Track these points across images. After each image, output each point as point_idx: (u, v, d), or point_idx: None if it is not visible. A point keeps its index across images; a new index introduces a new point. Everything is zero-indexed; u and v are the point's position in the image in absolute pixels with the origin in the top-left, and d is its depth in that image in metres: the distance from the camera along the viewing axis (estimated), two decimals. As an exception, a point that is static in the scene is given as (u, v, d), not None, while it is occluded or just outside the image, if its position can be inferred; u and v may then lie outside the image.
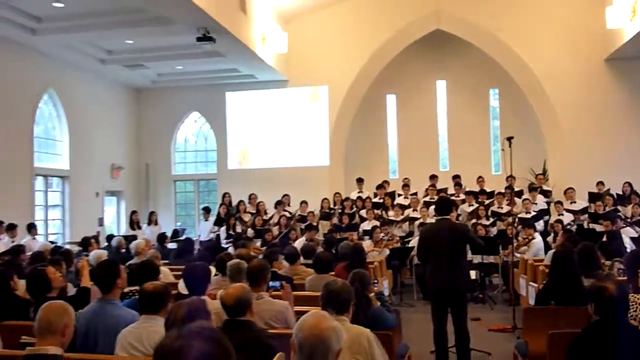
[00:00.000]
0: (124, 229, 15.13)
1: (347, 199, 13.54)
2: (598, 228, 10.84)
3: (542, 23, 14.51)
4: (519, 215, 11.60)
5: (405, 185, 13.81)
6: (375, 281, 5.07)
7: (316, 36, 15.42)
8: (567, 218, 11.60)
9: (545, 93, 14.44)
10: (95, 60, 13.91)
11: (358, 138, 15.88)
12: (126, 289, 5.07)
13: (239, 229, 12.65)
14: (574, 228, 10.97)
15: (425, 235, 6.84)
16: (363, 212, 12.76)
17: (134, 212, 13.97)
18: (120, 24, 11.50)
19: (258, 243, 11.39)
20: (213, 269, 6.09)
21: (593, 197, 12.16)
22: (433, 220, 10.08)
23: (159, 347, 1.67)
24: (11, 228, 10.80)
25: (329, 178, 15.24)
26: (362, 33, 15.23)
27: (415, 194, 13.55)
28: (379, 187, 13.96)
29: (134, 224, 13.55)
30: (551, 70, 14.38)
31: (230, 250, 9.34)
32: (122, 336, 3.88)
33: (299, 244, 10.26)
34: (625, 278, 5.51)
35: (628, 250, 8.29)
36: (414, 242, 10.82)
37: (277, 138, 15.74)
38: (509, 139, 8.39)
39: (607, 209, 11.55)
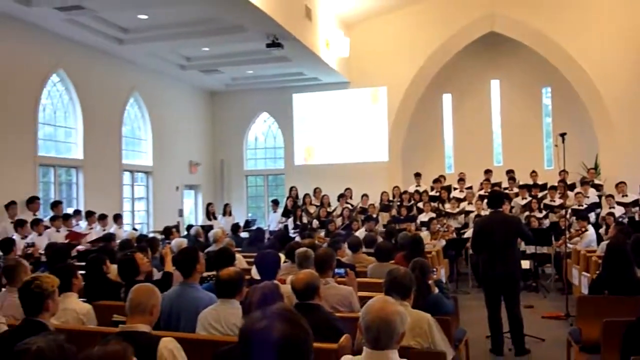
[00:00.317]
0: (201, 220, 15.41)
1: (405, 192, 13.41)
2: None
3: (593, 21, 13.91)
4: (572, 207, 11.20)
5: (461, 180, 13.56)
6: (435, 269, 4.97)
7: (376, 40, 15.29)
8: (619, 211, 11.11)
9: (596, 90, 13.86)
10: (176, 66, 14.23)
11: (415, 135, 15.67)
12: (205, 274, 5.15)
13: (305, 219, 12.72)
14: (625, 220, 10.51)
15: (480, 227, 6.73)
16: (420, 205, 12.61)
17: (210, 204, 14.22)
18: (198, 33, 11.71)
19: (322, 233, 11.43)
20: (282, 256, 6.12)
21: (645, 190, 11.61)
22: (487, 213, 9.87)
23: (245, 327, 1.69)
24: (102, 218, 11.16)
25: (388, 173, 15.12)
26: (420, 37, 15.01)
27: (470, 187, 13.29)
28: (436, 181, 13.77)
29: (210, 214, 13.79)
30: (602, 68, 13.79)
31: (297, 239, 9.39)
32: (202, 317, 3.95)
33: (360, 234, 10.21)
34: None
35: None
36: (469, 233, 10.62)
37: (339, 136, 15.73)
38: (562, 135, 8.10)
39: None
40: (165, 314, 4.12)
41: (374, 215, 12.35)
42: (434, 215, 11.80)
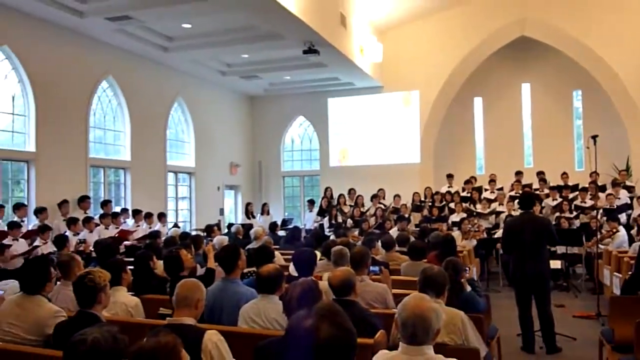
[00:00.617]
0: (241, 218, 15.55)
1: (437, 193, 13.29)
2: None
3: (625, 23, 13.52)
4: (603, 207, 10.92)
5: (492, 181, 13.36)
6: (467, 268, 4.91)
7: (408, 46, 15.21)
8: (651, 212, 10.79)
9: (628, 92, 13.49)
10: (217, 72, 14.40)
11: (446, 137, 15.52)
12: (245, 270, 5.19)
13: (339, 219, 12.71)
14: (657, 222, 10.20)
15: (510, 227, 6.64)
16: (452, 205, 12.47)
17: (249, 204, 14.34)
18: (238, 40, 11.84)
19: (356, 232, 11.41)
20: (318, 254, 6.13)
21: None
22: (518, 213, 9.71)
23: (291, 324, 1.69)
24: (148, 216, 11.35)
25: (420, 174, 15.00)
26: (451, 42, 14.85)
27: (501, 188, 13.08)
28: (467, 182, 13.61)
29: (249, 213, 13.90)
30: (634, 69, 13.42)
31: (332, 237, 9.39)
32: (244, 311, 3.98)
33: (392, 233, 10.15)
34: None
35: None
36: (499, 233, 10.45)
37: (373, 138, 15.69)
38: (594, 137, 7.89)
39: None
40: (208, 308, 4.16)
41: (406, 215, 12.26)
42: (465, 215, 11.65)
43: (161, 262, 5.64)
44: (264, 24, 10.93)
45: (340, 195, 13.60)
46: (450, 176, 13.92)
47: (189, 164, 14.62)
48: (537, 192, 12.28)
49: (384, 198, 13.69)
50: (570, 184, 12.58)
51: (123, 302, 4.44)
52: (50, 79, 10.26)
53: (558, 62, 14.62)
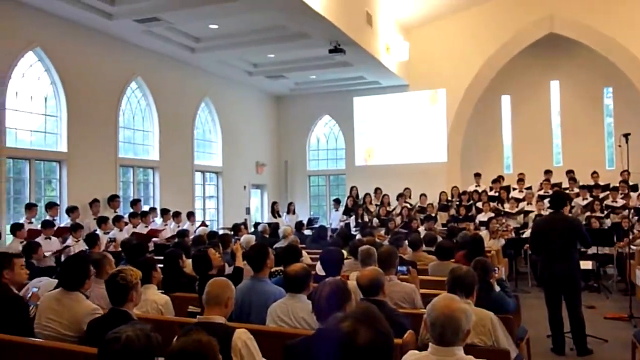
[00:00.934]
0: (267, 217, 15.65)
1: (464, 192, 13.16)
2: None
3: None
4: (635, 206, 10.69)
5: (520, 180, 13.18)
6: (496, 268, 4.85)
7: (435, 44, 15.10)
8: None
9: (660, 89, 13.19)
10: (243, 72, 14.49)
11: (474, 136, 15.36)
12: (273, 269, 5.22)
13: (366, 218, 12.67)
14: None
15: (539, 227, 6.55)
16: (479, 205, 12.34)
17: (275, 203, 14.40)
18: (264, 40, 11.89)
19: (382, 231, 11.37)
20: (345, 253, 6.12)
21: None
22: (547, 213, 9.56)
23: (330, 326, 1.69)
24: (176, 215, 11.49)
25: (447, 173, 14.88)
26: (478, 39, 14.70)
27: (530, 188, 12.90)
28: (495, 181, 13.45)
29: (275, 212, 13.96)
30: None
31: (358, 236, 9.38)
32: (272, 310, 4.00)
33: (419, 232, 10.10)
34: None
35: None
36: (528, 233, 10.30)
37: (399, 137, 15.60)
38: (626, 135, 7.72)
39: None
40: (237, 306, 4.19)
41: (433, 215, 12.18)
42: (493, 215, 11.52)
43: (190, 260, 5.71)
44: (290, 24, 10.96)
45: (366, 195, 13.57)
46: (477, 175, 13.77)
47: (216, 164, 14.74)
48: (567, 191, 12.08)
49: (409, 197, 13.63)
50: (600, 183, 12.35)
51: (153, 300, 4.50)
52: (81, 80, 10.45)
53: (588, 59, 14.34)
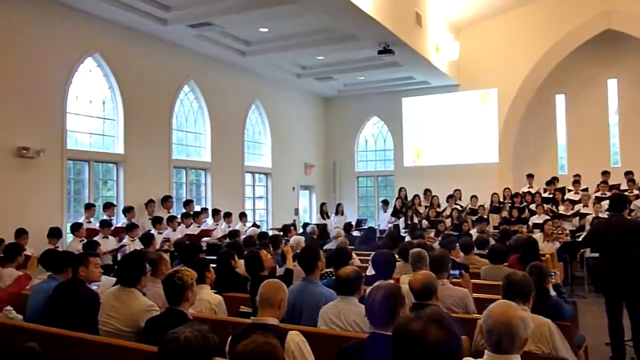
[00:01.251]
0: (315, 218, 15.70)
1: (516, 194, 12.84)
2: None
3: None
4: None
5: (576, 182, 12.72)
6: (553, 273, 4.71)
7: (486, 42, 14.82)
8: None
9: None
10: (292, 74, 14.60)
11: (526, 136, 15.00)
12: (323, 270, 5.22)
13: (415, 220, 12.54)
14: None
15: (596, 229, 6.32)
16: (533, 207, 12.01)
17: (323, 204, 14.43)
18: (313, 43, 11.95)
19: (432, 233, 11.23)
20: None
21: None
22: (605, 215, 9.21)
23: (399, 326, 1.71)
24: (227, 216, 11.66)
25: (498, 174, 14.58)
26: (531, 37, 14.33)
27: (586, 189, 12.45)
28: (549, 182, 13.04)
29: (323, 213, 14.00)
30: None
31: (408, 238, 9.30)
32: (323, 312, 4.00)
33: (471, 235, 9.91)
34: None
35: None
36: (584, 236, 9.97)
37: (448, 137, 15.40)
38: (691, 135, 7.39)
39: None
40: (289, 308, 4.19)
41: (484, 217, 11.94)
42: (547, 217, 11.19)
43: (242, 261, 5.78)
44: (339, 26, 10.97)
45: (415, 196, 13.42)
46: (530, 176, 13.41)
47: (265, 165, 14.90)
48: (626, 193, 11.61)
49: (460, 199, 13.39)
50: (662, 184, 11.83)
51: (207, 299, 4.57)
52: (137, 84, 10.76)
53: (648, 56, 13.80)
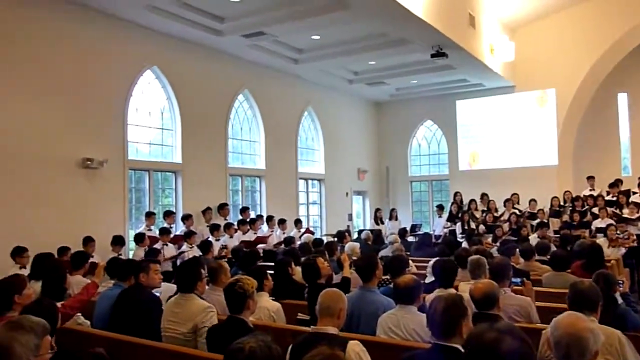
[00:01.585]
0: (369, 223, 15.66)
1: (577, 197, 12.39)
2: None
3: None
4: None
5: (642, 184, 12.21)
6: (621, 281, 4.52)
7: (542, 42, 14.41)
8: None
9: None
10: (344, 80, 14.63)
11: (587, 137, 14.49)
12: (380, 278, 5.18)
13: (472, 225, 12.29)
14: None
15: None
16: (595, 210, 11.56)
17: (378, 210, 14.37)
18: (365, 48, 11.94)
19: (489, 238, 10.99)
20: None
21: None
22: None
23: (473, 337, 1.71)
24: (282, 222, 11.77)
25: (557, 177, 14.14)
26: (590, 35, 13.85)
27: (653, 191, 11.91)
28: (612, 185, 12.52)
29: (377, 219, 13.92)
30: None
31: (464, 244, 9.13)
32: (382, 320, 3.98)
33: (531, 240, 9.64)
34: None
35: None
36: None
37: (505, 140, 15.05)
38: None
39: None
40: (347, 316, 4.21)
41: (545, 221, 11.57)
42: (611, 221, 10.75)
43: (299, 268, 5.81)
44: (391, 31, 10.92)
45: (472, 201, 13.14)
46: (591, 178, 12.91)
47: (318, 171, 14.97)
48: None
49: (518, 203, 13.03)
50: None
51: (266, 307, 4.63)
52: (193, 94, 11.03)
53: None
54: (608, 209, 11.40)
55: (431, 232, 13.33)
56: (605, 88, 14.16)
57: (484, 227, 11.95)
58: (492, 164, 15.23)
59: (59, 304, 3.87)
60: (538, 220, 11.56)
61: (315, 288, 4.79)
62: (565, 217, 11.91)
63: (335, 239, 10.16)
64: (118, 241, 8.62)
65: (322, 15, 9.67)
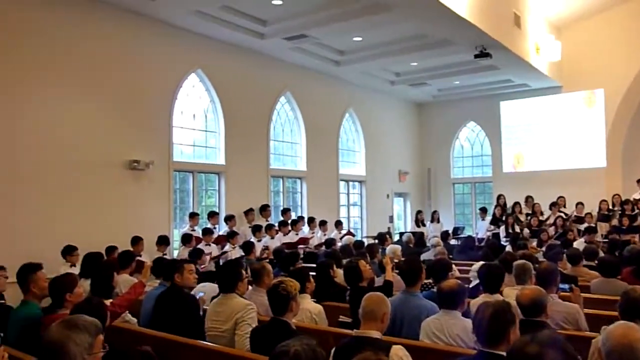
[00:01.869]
0: (410, 226, 15.53)
1: (627, 201, 11.97)
2: None
3: None
4: None
5: (696, 187, 11.73)
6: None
7: (590, 41, 14.00)
8: None
9: None
10: (386, 82, 14.56)
11: (637, 138, 14.00)
12: (423, 281, 5.14)
13: (516, 228, 12.03)
14: None
15: None
16: (646, 214, 11.18)
17: (419, 212, 14.23)
18: (407, 49, 11.86)
19: (534, 242, 10.73)
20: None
21: None
22: None
23: (514, 350, 1.68)
24: (323, 224, 11.78)
25: (606, 179, 13.71)
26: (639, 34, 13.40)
27: None
28: (664, 188, 12.09)
29: (419, 221, 13.79)
30: None
31: (508, 248, 8.96)
32: (426, 325, 3.95)
33: (577, 245, 9.39)
34: None
35: None
36: None
37: (551, 141, 14.68)
38: None
39: None
40: (390, 320, 4.19)
41: (592, 225, 11.24)
42: (663, 226, 10.38)
43: (340, 270, 5.81)
44: (434, 32, 10.81)
45: (516, 203, 12.86)
46: (641, 181, 12.50)
47: (359, 172, 14.94)
48: None
49: (564, 206, 12.69)
50: None
51: (308, 309, 4.64)
52: (236, 97, 11.17)
53: None
54: (660, 213, 11.01)
55: (474, 236, 13.12)
56: (657, 87, 13.68)
57: (528, 231, 11.69)
58: (537, 166, 14.89)
59: (107, 302, 3.98)
60: (585, 225, 11.24)
61: (357, 291, 4.78)
62: (614, 221, 11.53)
63: (376, 241, 10.12)
64: (163, 241, 8.80)
65: (364, 17, 9.66)
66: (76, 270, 6.19)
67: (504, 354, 2.63)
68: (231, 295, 4.27)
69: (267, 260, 8.44)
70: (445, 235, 11.42)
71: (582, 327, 4.26)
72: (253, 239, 9.76)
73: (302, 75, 12.73)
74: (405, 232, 12.37)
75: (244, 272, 4.64)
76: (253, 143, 11.59)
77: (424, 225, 13.76)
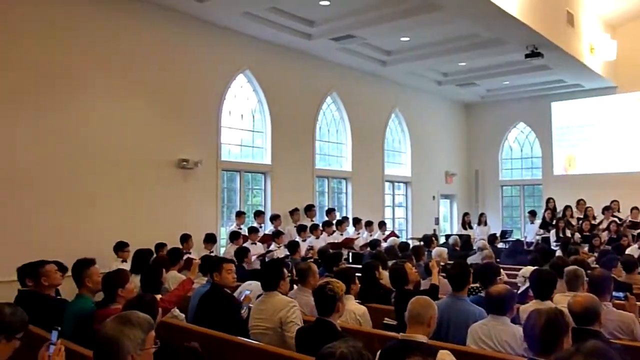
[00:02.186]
0: (456, 228, 15.30)
1: (686, 206, 11.48)
2: None
3: None
4: None
5: None
6: None
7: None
8: None
9: None
10: (433, 82, 14.40)
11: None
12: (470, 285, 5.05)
13: (567, 233, 11.68)
14: None
15: None
16: None
17: (466, 214, 13.99)
18: (456, 49, 11.69)
19: (585, 248, 10.41)
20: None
21: None
22: None
23: (560, 358, 1.63)
24: (369, 224, 11.73)
25: (663, 183, 13.18)
26: None
27: None
28: None
29: (465, 224, 13.56)
30: None
31: (558, 253, 8.71)
32: (473, 330, 3.88)
33: (631, 251, 9.04)
34: None
35: None
36: None
37: (605, 143, 14.22)
38: None
39: None
40: (436, 324, 4.14)
41: (648, 231, 10.83)
42: None
43: (386, 272, 5.78)
44: (484, 31, 10.62)
45: (567, 207, 12.48)
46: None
47: (405, 173, 14.81)
48: None
49: (618, 211, 12.24)
50: None
51: (352, 310, 4.62)
52: (283, 97, 11.25)
53: None
54: None
55: (522, 239, 12.81)
56: None
57: (579, 236, 11.34)
58: (590, 169, 14.45)
59: (157, 297, 4.08)
60: (640, 230, 10.83)
61: (403, 294, 4.75)
62: (673, 227, 11.08)
63: (422, 243, 10.01)
64: (210, 239, 8.95)
65: (413, 17, 9.57)
66: (127, 266, 6.37)
67: (555, 363, 2.56)
68: (273, 293, 4.35)
69: (312, 260, 8.49)
70: (492, 239, 11.18)
71: (637, 337, 4.11)
72: (298, 239, 9.82)
73: (348, 76, 12.72)
74: (452, 234, 12.17)
75: (285, 270, 4.68)
76: (299, 143, 11.65)
77: (470, 227, 13.51)
